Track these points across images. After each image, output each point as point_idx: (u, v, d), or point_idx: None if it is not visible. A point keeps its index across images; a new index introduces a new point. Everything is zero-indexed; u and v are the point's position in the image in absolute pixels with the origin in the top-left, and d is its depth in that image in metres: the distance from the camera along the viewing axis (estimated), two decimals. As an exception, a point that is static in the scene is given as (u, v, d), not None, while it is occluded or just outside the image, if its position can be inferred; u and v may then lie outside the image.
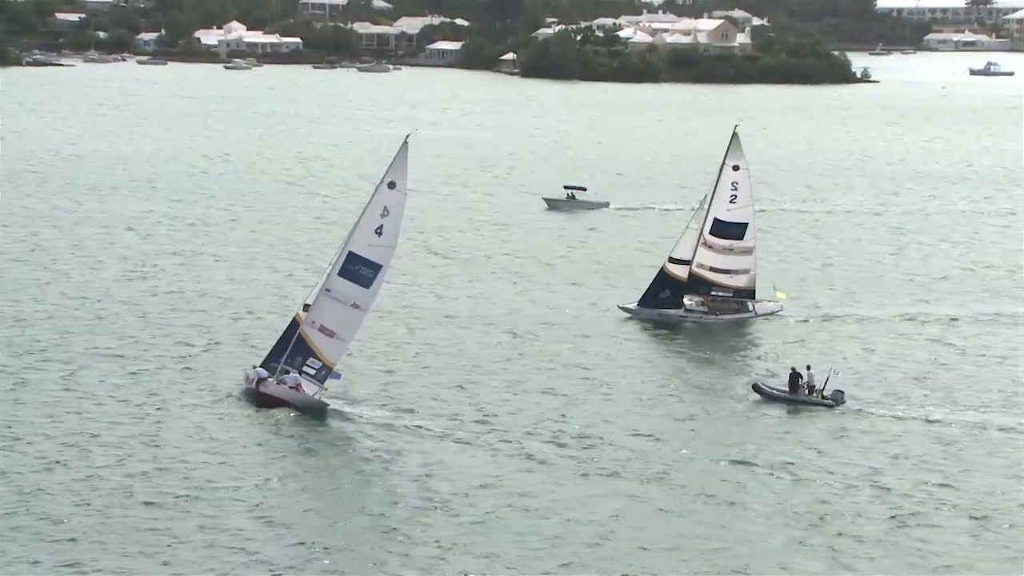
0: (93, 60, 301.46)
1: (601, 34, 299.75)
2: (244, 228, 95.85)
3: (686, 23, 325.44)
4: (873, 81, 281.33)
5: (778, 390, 56.39)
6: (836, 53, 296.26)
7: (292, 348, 55.47)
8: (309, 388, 54.92)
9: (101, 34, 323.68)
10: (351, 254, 55.21)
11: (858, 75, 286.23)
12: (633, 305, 70.57)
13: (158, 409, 53.63)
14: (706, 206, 70.24)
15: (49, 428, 50.90)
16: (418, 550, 40.85)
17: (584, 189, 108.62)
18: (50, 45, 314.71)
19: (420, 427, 51.91)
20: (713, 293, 70.17)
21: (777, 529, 43.41)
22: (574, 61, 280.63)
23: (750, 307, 70.40)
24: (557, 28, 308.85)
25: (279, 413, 53.28)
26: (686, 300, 70.04)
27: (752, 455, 49.87)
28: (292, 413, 53.25)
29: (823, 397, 55.46)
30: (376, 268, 54.88)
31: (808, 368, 56.52)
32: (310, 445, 50.39)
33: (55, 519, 42.63)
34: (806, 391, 55.83)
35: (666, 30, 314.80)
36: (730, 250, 69.93)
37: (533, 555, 40.83)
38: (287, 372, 55.12)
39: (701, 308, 70.07)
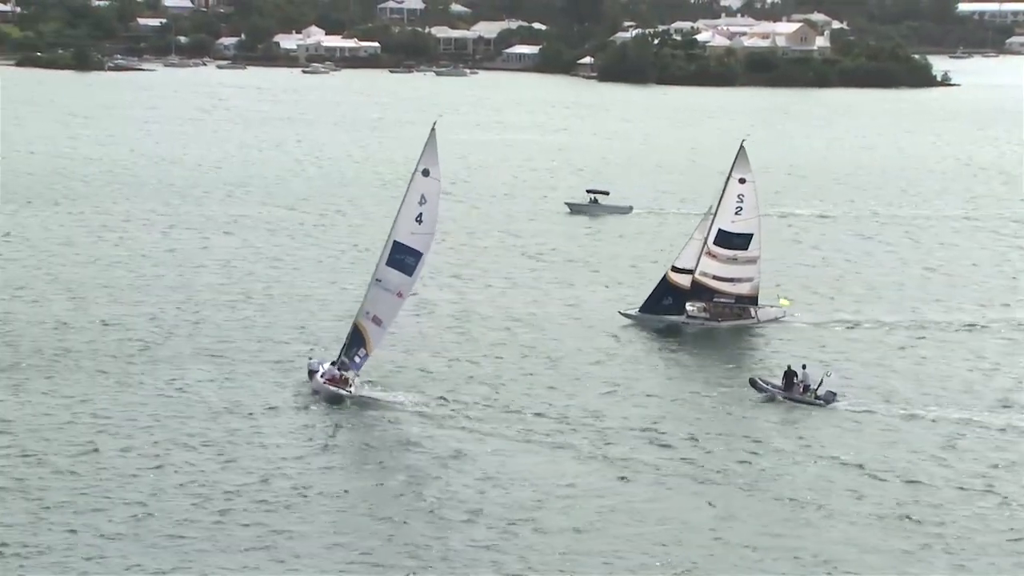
0: (173, 64, 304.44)
1: (679, 38, 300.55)
2: (340, 231, 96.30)
3: (764, 26, 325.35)
4: (954, 84, 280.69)
5: (773, 387, 57.38)
6: (916, 56, 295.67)
7: (350, 339, 57.39)
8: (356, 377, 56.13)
9: (182, 39, 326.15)
10: (396, 243, 56.88)
11: (938, 79, 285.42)
12: (634, 311, 70.47)
13: (247, 412, 54.16)
14: (711, 216, 70.44)
15: (155, 429, 51.55)
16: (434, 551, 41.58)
17: (607, 193, 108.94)
18: (131, 50, 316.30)
19: (429, 418, 53.28)
20: (716, 299, 70.42)
21: (776, 520, 44.52)
22: (651, 65, 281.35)
23: (752, 313, 70.68)
24: (634, 32, 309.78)
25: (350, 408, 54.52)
26: (688, 306, 70.15)
27: (746, 447, 50.94)
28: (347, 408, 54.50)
29: (816, 396, 56.44)
30: (418, 256, 56.61)
31: (804, 367, 57.56)
32: (353, 442, 51.26)
33: (165, 518, 43.38)
34: (800, 389, 56.74)
35: (744, 33, 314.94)
36: (734, 260, 70.31)
37: (553, 548, 41.88)
38: (344, 364, 56.45)
39: (703, 314, 70.25)
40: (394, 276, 56.93)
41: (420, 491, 46.14)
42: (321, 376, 56.06)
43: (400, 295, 57.15)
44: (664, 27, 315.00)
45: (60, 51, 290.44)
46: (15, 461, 47.64)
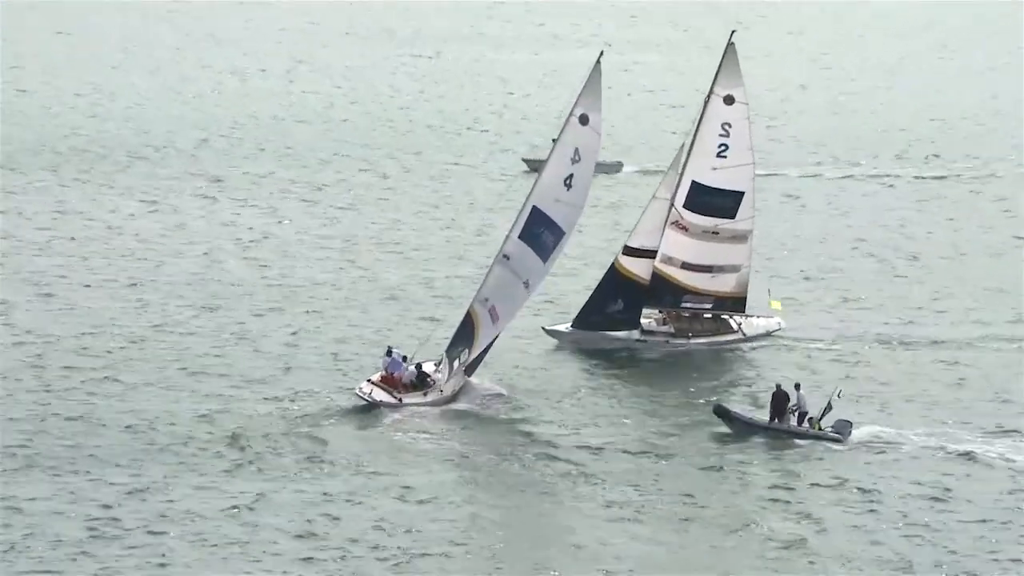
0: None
1: None
2: (398, 199, 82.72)
3: None
4: None
5: (753, 418, 47.89)
6: None
7: (459, 331, 50.71)
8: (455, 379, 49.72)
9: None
10: (535, 210, 49.84)
11: None
12: (565, 327, 56.23)
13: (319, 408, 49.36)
14: (681, 162, 55.77)
15: (209, 462, 45.64)
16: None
17: None
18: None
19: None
20: (684, 304, 56.47)
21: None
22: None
23: (735, 326, 56.85)
24: None
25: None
26: (643, 320, 56.34)
27: (723, 510, 42.83)
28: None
29: (820, 428, 47.19)
30: (559, 235, 49.59)
31: (798, 388, 47.67)
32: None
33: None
34: (795, 419, 47.42)
35: None
36: (713, 234, 55.75)
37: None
38: (448, 360, 50.50)
39: (665, 329, 56.26)
40: (526, 255, 49.78)
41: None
42: (379, 373, 49.70)
43: (527, 285, 49.90)
44: None
45: None
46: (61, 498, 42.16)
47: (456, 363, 49.77)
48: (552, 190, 49.50)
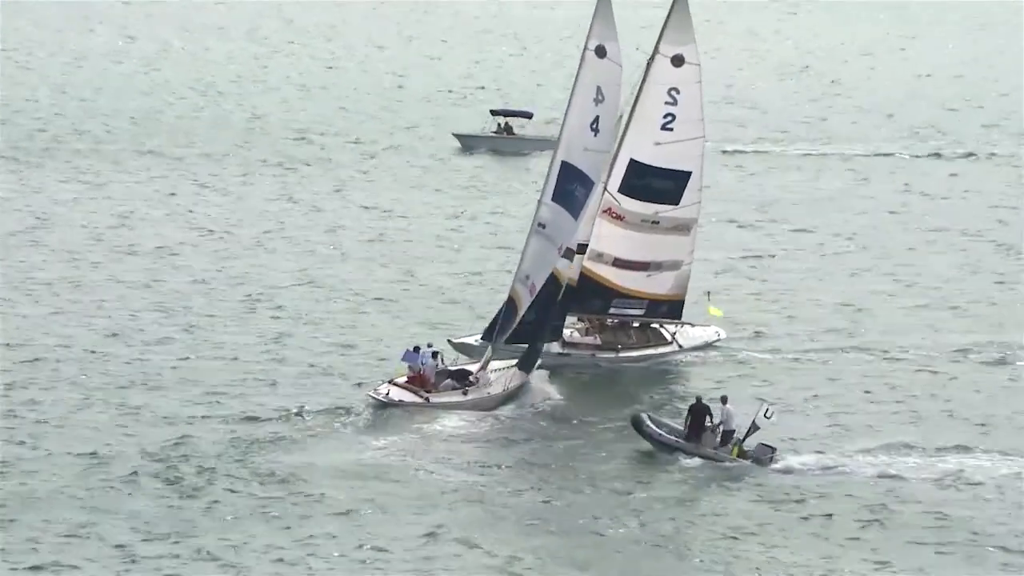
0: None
1: None
2: (422, 180, 76.06)
3: None
4: None
5: (670, 433, 42.57)
6: None
7: (503, 315, 47.32)
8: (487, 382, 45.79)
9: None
10: (564, 165, 46.64)
11: None
12: (475, 339, 48.66)
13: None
14: (617, 136, 48.26)
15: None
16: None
17: (529, 115, 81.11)
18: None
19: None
20: (613, 310, 49.79)
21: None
22: None
23: (668, 337, 50.56)
24: None
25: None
26: (567, 329, 49.73)
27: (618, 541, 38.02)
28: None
29: (741, 452, 42.10)
30: (590, 187, 46.36)
31: (724, 402, 42.47)
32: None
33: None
34: (717, 439, 42.26)
35: None
36: (653, 224, 48.87)
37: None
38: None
39: (590, 340, 49.95)
40: (561, 217, 46.48)
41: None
42: (407, 370, 45.44)
43: (560, 249, 46.64)
44: None
45: None
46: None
47: (489, 351, 46.36)
48: (579, 139, 46.12)
